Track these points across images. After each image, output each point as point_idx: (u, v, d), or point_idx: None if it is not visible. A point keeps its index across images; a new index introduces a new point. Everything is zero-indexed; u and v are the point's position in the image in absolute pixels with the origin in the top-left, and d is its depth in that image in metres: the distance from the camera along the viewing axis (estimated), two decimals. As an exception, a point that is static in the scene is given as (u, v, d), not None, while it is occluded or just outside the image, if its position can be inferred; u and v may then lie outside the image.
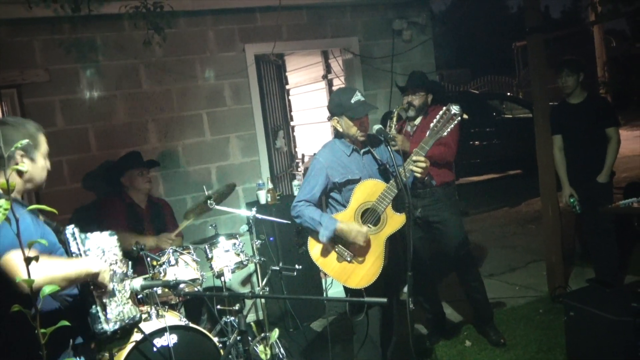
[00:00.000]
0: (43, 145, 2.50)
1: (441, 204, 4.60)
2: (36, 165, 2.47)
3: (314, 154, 8.25)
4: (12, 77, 4.94)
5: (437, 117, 3.44)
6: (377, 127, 3.53)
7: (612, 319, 3.63)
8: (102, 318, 2.41)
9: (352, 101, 3.49)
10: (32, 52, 5.04)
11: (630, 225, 6.08)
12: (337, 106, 3.58)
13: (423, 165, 3.41)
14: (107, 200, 4.91)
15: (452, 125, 3.42)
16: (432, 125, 3.45)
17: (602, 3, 7.36)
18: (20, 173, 2.40)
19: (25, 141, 2.39)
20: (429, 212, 4.59)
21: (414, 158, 3.42)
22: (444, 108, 3.44)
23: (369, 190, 3.51)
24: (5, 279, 2.15)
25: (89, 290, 2.42)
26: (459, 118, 3.40)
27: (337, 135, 3.73)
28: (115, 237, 2.71)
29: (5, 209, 1.39)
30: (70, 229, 2.48)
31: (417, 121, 4.62)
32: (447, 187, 4.66)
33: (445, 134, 3.44)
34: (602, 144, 5.22)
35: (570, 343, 4.06)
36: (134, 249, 4.13)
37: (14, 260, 2.13)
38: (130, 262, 3.15)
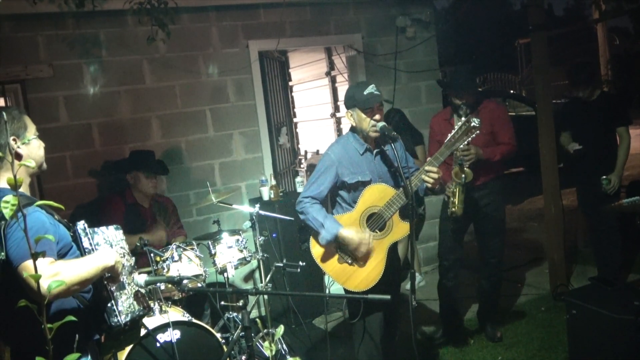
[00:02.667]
0: (31, 125, 2.49)
1: (496, 196, 4.63)
2: (31, 146, 2.46)
3: (317, 150, 8.30)
4: (16, 72, 4.95)
5: (456, 127, 3.42)
6: (380, 124, 3.49)
7: (614, 317, 3.63)
8: (117, 311, 2.43)
9: (365, 93, 3.45)
10: (36, 47, 5.04)
11: (633, 224, 6.08)
12: (350, 98, 3.55)
13: (435, 176, 3.38)
14: (108, 199, 4.89)
15: (470, 139, 3.41)
16: (449, 136, 3.44)
17: (605, 1, 7.35)
18: (18, 157, 2.40)
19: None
20: (483, 203, 4.58)
21: (427, 168, 3.39)
22: (464, 119, 3.42)
23: (378, 194, 3.48)
24: (22, 286, 2.15)
25: (103, 284, 2.44)
26: (478, 132, 3.39)
27: (352, 129, 3.70)
28: (121, 230, 2.73)
29: (13, 205, 1.39)
30: (81, 225, 2.48)
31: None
32: (498, 180, 4.67)
33: (461, 146, 3.43)
34: (612, 142, 5.22)
35: (572, 341, 4.06)
36: (138, 244, 4.14)
37: (31, 270, 2.11)
38: (134, 258, 3.17)
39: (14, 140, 2.39)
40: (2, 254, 2.21)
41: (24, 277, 2.13)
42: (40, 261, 1.94)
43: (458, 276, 4.74)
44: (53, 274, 2.14)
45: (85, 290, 2.46)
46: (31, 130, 2.49)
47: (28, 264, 2.14)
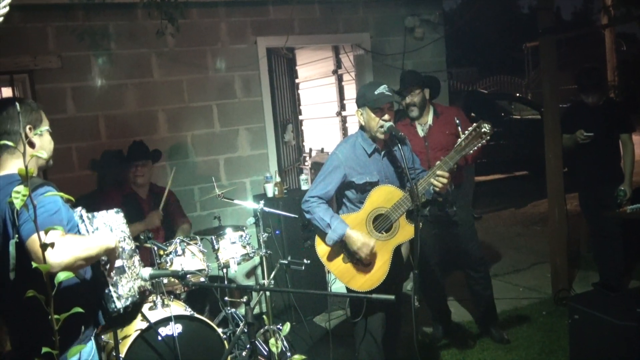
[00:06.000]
0: (45, 120, 2.53)
1: (464, 198, 4.70)
2: (44, 139, 2.51)
3: (322, 148, 8.30)
4: (24, 62, 4.96)
5: (467, 132, 3.40)
6: (388, 124, 3.48)
7: (616, 324, 3.63)
8: (115, 297, 2.44)
9: (376, 92, 3.45)
10: (45, 38, 5.05)
11: (636, 231, 6.07)
12: (361, 97, 3.56)
13: (445, 181, 3.38)
14: (105, 191, 4.98)
15: (480, 144, 3.39)
16: (459, 140, 3.42)
17: (615, 7, 7.34)
18: (32, 146, 2.43)
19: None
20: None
21: (438, 172, 3.38)
22: (474, 125, 3.39)
23: (385, 196, 3.47)
24: (29, 261, 2.15)
25: (100, 270, 2.44)
26: (488, 138, 3.38)
27: (361, 128, 3.70)
28: (122, 214, 2.73)
29: (24, 195, 1.40)
30: (78, 212, 2.49)
31: (429, 120, 4.56)
32: (461, 187, 4.70)
33: (471, 151, 3.42)
34: (615, 148, 5.22)
35: (574, 346, 4.06)
36: (142, 237, 4.14)
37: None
38: (138, 250, 3.17)
39: (29, 129, 2.42)
40: (16, 236, 2.21)
41: (32, 250, 2.13)
42: (51, 233, 1.93)
43: (443, 276, 4.84)
44: (64, 245, 2.14)
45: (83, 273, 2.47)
46: (45, 124, 2.52)
47: (35, 237, 2.13)
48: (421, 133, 4.54)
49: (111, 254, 2.43)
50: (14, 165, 2.40)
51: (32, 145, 2.43)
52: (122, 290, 2.49)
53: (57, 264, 2.06)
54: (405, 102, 4.53)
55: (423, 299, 4.99)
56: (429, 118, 4.57)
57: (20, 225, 2.19)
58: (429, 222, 4.52)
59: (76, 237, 2.30)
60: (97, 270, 2.46)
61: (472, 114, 9.71)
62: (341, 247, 3.53)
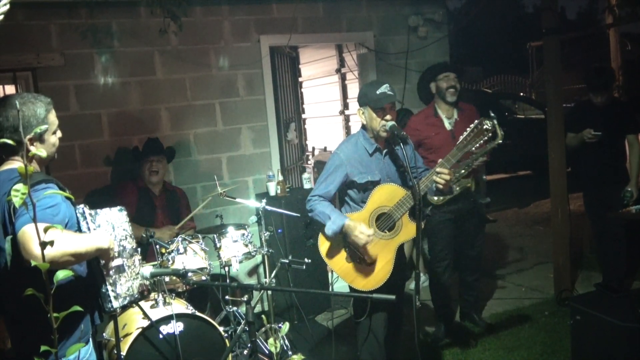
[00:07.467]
0: (52, 124, 2.49)
1: (476, 193, 4.76)
2: (44, 145, 2.48)
3: (325, 147, 8.29)
4: (27, 60, 4.96)
5: (468, 129, 3.39)
6: (390, 124, 3.48)
7: (618, 325, 3.62)
8: (112, 296, 2.43)
9: (378, 92, 3.44)
10: (49, 35, 5.05)
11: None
12: (363, 96, 3.55)
13: (447, 177, 3.37)
14: (121, 186, 4.98)
15: (482, 141, 3.37)
16: (461, 138, 3.41)
17: (619, 6, 7.32)
18: (30, 159, 2.41)
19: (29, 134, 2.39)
20: (466, 199, 4.64)
21: (438, 170, 3.37)
22: (476, 122, 3.38)
23: (388, 195, 3.47)
24: (21, 256, 2.14)
25: (98, 269, 2.44)
26: (490, 135, 3.34)
27: (362, 127, 3.70)
28: (125, 212, 2.72)
29: (23, 194, 1.40)
30: (80, 209, 2.48)
31: (455, 115, 4.68)
32: (476, 178, 4.77)
33: (473, 148, 3.40)
34: (620, 149, 5.19)
35: (575, 347, 4.05)
36: (144, 236, 4.15)
37: (30, 233, 2.11)
38: (139, 249, 3.18)
39: (29, 140, 2.39)
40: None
41: (21, 241, 2.12)
42: (40, 226, 1.93)
43: (451, 276, 4.86)
44: (50, 240, 2.13)
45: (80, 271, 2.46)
46: (52, 128, 2.48)
47: (26, 229, 2.13)
48: (448, 127, 4.64)
49: (104, 254, 2.42)
50: (15, 161, 2.40)
51: (30, 159, 2.40)
52: (121, 290, 2.48)
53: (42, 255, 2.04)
54: (446, 85, 4.62)
55: (431, 298, 5.01)
56: (455, 113, 4.69)
57: (15, 220, 2.19)
58: (445, 220, 4.58)
59: (68, 233, 2.28)
60: (96, 269, 2.46)
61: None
62: (344, 245, 3.53)
